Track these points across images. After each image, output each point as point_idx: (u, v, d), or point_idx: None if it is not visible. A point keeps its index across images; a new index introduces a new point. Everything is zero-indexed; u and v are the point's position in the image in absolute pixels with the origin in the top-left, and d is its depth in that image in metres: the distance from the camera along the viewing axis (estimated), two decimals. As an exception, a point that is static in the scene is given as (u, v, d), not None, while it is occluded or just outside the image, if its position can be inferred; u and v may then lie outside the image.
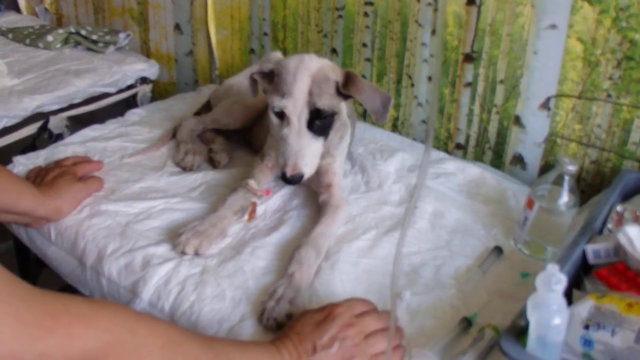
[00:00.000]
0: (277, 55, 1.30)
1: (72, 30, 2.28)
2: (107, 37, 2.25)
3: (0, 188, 1.15)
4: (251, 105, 1.59)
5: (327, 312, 0.98)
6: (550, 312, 0.84)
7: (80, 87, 1.98)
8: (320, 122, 1.21)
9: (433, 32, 1.63)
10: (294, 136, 1.19)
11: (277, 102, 1.20)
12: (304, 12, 1.90)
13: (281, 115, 1.21)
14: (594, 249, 1.06)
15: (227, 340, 0.97)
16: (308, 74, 1.19)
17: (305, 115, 1.19)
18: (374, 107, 1.22)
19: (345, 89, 1.22)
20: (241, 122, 1.61)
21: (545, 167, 1.56)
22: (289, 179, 1.19)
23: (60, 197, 1.29)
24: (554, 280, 0.83)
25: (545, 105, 1.50)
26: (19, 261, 1.65)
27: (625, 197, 1.27)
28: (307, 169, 1.21)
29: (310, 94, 1.19)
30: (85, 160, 1.47)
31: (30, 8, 2.87)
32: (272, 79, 1.25)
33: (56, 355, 0.66)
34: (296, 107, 1.18)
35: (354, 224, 1.33)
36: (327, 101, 1.20)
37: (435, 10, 1.60)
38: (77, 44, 2.30)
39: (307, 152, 1.20)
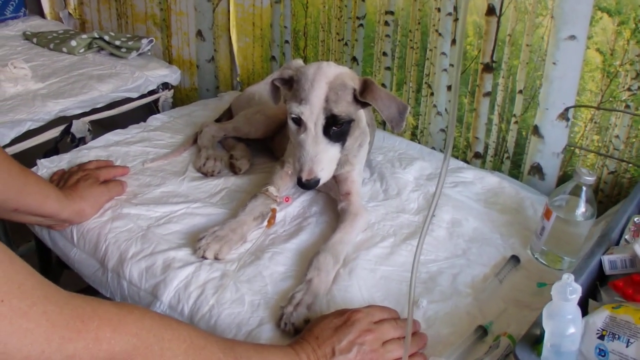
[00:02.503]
0: (298, 62, 1.32)
1: (96, 35, 2.31)
2: (130, 43, 2.28)
3: (26, 191, 1.18)
4: (272, 115, 1.60)
5: (346, 317, 0.99)
6: (565, 321, 0.85)
7: (103, 91, 2.01)
8: (336, 128, 1.22)
9: (453, 41, 1.64)
10: (311, 142, 1.21)
11: (295, 108, 1.21)
12: (325, 20, 1.92)
13: (298, 121, 1.23)
14: (610, 260, 1.06)
15: (247, 343, 0.98)
16: (325, 81, 1.21)
17: (321, 121, 1.20)
18: (390, 114, 1.23)
19: (362, 96, 1.23)
20: (262, 131, 1.62)
21: (564, 178, 1.56)
22: (305, 184, 1.21)
23: (83, 200, 1.31)
24: (569, 289, 0.84)
25: (563, 116, 1.50)
26: (41, 262, 1.68)
27: (643, 209, 1.27)
28: (324, 174, 1.22)
29: (327, 100, 1.20)
30: (108, 164, 1.49)
31: (54, 13, 2.91)
32: (292, 85, 1.27)
33: (84, 357, 0.68)
34: (312, 113, 1.20)
35: (372, 231, 1.35)
36: (343, 108, 1.21)
37: (456, 20, 1.61)
38: (100, 49, 2.33)
39: (323, 158, 1.21)
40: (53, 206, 1.25)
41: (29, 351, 0.63)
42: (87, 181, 1.35)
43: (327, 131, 1.21)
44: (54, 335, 0.65)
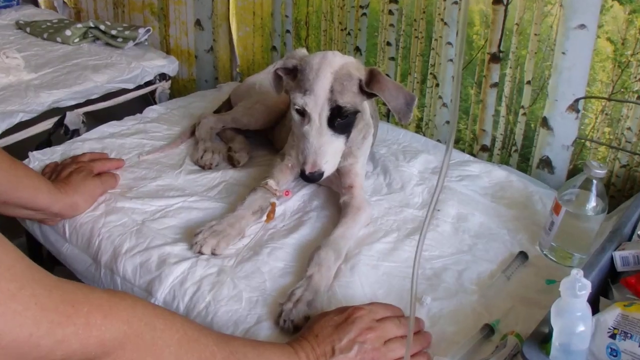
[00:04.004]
0: (302, 51, 1.32)
1: (91, 24, 2.30)
2: (127, 33, 2.27)
3: (17, 183, 1.17)
4: (273, 105, 1.60)
5: (347, 315, 0.98)
6: (575, 318, 0.84)
7: (98, 82, 2.00)
8: (341, 119, 1.21)
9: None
10: (315, 133, 1.20)
11: (299, 99, 1.21)
12: (327, 9, 1.91)
13: (302, 112, 1.22)
14: (622, 256, 1.06)
15: (243, 339, 0.97)
16: (330, 71, 1.20)
17: (326, 113, 1.20)
18: (397, 106, 1.23)
19: (368, 87, 1.23)
20: (262, 122, 1.62)
21: (574, 171, 1.56)
22: (308, 177, 1.20)
23: (76, 193, 1.30)
24: (578, 285, 0.83)
25: (573, 107, 1.49)
26: (31, 258, 1.66)
27: (656, 203, 1.26)
28: (327, 167, 1.21)
29: (332, 91, 1.19)
30: (102, 156, 1.48)
31: (48, 2, 2.90)
32: (296, 75, 1.26)
33: (73, 343, 0.68)
34: (317, 104, 1.19)
35: (375, 226, 1.34)
36: (349, 99, 1.21)
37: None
38: (96, 39, 2.33)
39: (327, 150, 1.21)
40: (44, 199, 1.24)
41: (17, 334, 0.63)
42: (80, 174, 1.34)
43: (331, 123, 1.21)
44: (43, 319, 0.65)
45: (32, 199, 1.22)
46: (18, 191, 1.18)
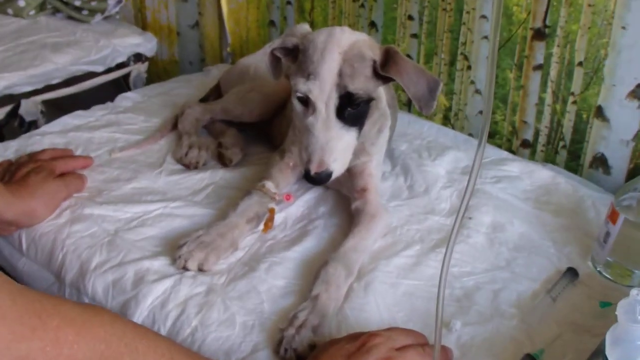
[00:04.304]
0: (304, 27, 1.31)
1: (51, -7, 2.31)
2: (93, 4, 2.27)
3: None
4: (270, 93, 1.61)
5: (361, 342, 0.98)
6: (635, 348, 0.84)
7: (59, 64, 2.01)
8: (352, 109, 1.21)
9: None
10: (321, 126, 1.20)
11: (301, 85, 1.21)
12: (336, -25, 1.92)
13: (305, 100, 1.22)
14: (691, 273, 1.07)
15: None
16: (338, 51, 1.20)
17: (334, 101, 1.19)
18: (418, 92, 1.22)
19: (384, 70, 1.22)
20: (258, 113, 1.63)
21: (634, 172, 1.56)
22: (314, 178, 1.20)
23: (34, 198, 1.31)
24: (639, 309, 0.84)
25: (635, 94, 1.50)
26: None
27: None
28: (336, 166, 1.21)
29: (341, 75, 1.19)
30: (66, 154, 1.49)
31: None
32: (297, 56, 1.27)
33: None
34: (323, 91, 1.19)
35: (394, 237, 1.35)
36: (361, 84, 1.21)
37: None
38: (56, 10, 2.32)
39: (336, 146, 1.20)
40: None
41: None
42: (39, 174, 1.34)
43: (340, 113, 1.21)
44: (3, 330, 0.65)
45: None
46: None
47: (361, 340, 0.99)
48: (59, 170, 1.41)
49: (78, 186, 1.41)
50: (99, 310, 0.78)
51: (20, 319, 0.67)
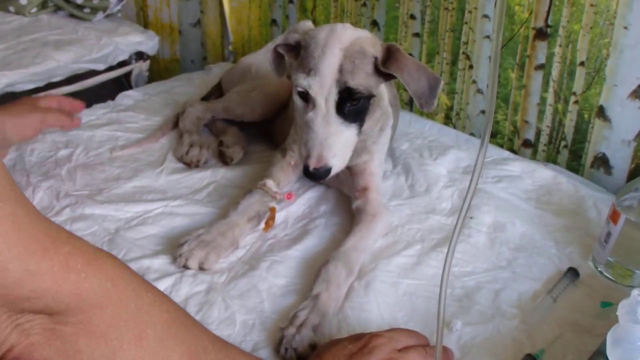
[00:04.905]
0: (307, 24, 1.32)
1: (53, -9, 2.31)
2: (95, 2, 2.28)
3: None
4: (273, 93, 1.60)
5: (363, 343, 0.98)
6: (636, 348, 0.84)
7: (61, 62, 2.01)
8: (352, 105, 1.21)
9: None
10: (320, 122, 1.20)
11: (301, 80, 1.21)
12: (338, -26, 1.92)
13: (306, 96, 1.22)
14: (693, 274, 1.06)
15: (246, 353, 0.97)
16: (339, 47, 1.20)
17: (334, 97, 1.19)
18: (418, 89, 1.23)
19: (385, 66, 1.23)
20: (259, 113, 1.63)
21: (635, 171, 1.56)
22: (313, 173, 1.20)
23: (5, 114, 1.31)
24: (640, 309, 0.84)
25: (637, 94, 1.50)
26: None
27: None
28: (336, 162, 1.21)
29: (341, 70, 1.19)
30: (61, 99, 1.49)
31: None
32: (299, 53, 1.27)
33: (46, 280, 0.67)
34: (323, 86, 1.19)
35: (395, 236, 1.35)
36: (361, 80, 1.21)
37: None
38: (58, 8, 2.33)
39: (335, 141, 1.20)
40: None
41: None
42: (21, 105, 1.36)
43: (340, 109, 1.21)
44: (17, 241, 0.65)
45: None
46: None
47: (363, 340, 0.98)
48: (43, 104, 1.41)
49: (58, 119, 1.40)
50: (110, 255, 0.77)
51: (35, 236, 0.67)
